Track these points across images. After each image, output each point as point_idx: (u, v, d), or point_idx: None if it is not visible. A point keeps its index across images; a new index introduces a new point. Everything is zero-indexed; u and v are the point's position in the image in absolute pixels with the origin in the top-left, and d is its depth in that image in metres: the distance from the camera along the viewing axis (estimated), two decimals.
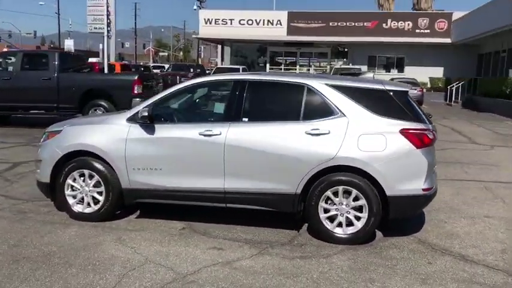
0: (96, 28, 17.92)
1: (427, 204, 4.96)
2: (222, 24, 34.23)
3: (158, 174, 5.09)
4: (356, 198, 4.74)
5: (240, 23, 33.95)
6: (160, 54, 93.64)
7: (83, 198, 5.33)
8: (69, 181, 5.31)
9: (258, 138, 4.88)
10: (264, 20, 33.69)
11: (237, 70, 26.95)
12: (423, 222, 5.53)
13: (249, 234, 5.07)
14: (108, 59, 18.89)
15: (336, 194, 4.78)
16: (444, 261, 4.48)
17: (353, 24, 32.55)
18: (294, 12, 33.62)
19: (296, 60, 35.66)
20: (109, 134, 5.21)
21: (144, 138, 5.10)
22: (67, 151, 5.26)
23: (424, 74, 32.06)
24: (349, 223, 4.81)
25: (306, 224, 5.22)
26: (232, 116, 5.00)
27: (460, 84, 26.79)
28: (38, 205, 5.91)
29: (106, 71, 17.13)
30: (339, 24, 32.61)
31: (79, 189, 5.32)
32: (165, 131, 5.08)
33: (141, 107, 5.19)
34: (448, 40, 31.37)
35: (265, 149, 4.84)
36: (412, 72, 30.57)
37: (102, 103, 12.22)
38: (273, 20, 33.55)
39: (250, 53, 37.56)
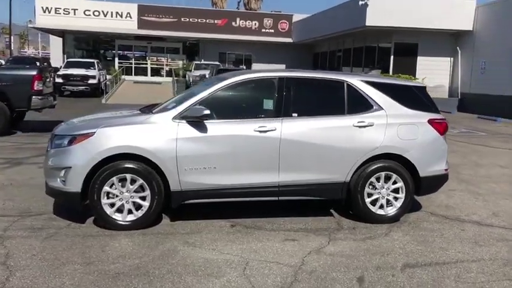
0: None
1: (446, 182, 5.85)
2: (64, 14, 31.44)
3: (212, 173, 4.99)
4: (394, 182, 5.39)
5: (85, 13, 31.64)
6: None
7: (119, 206, 4.90)
8: (107, 188, 4.83)
9: (310, 132, 5.17)
10: (112, 12, 32.01)
11: (91, 64, 25.39)
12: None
13: (298, 224, 5.32)
14: None
15: (378, 179, 5.36)
16: (469, 227, 5.43)
17: (204, 21, 33.14)
18: (145, 6, 32.70)
19: (147, 55, 34.83)
20: (156, 134, 4.89)
21: (196, 137, 4.93)
22: (108, 154, 4.78)
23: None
24: (389, 204, 5.43)
25: (331, 210, 5.71)
26: (282, 111, 5.18)
27: None
28: (46, 219, 5.18)
29: None
30: (190, 20, 32.85)
31: (118, 196, 4.88)
32: (217, 129, 4.99)
33: (186, 106, 5.00)
34: (289, 40, 34.20)
35: (318, 142, 5.17)
36: (259, 68, 32.61)
37: None
38: (122, 13, 32.09)
39: (97, 46, 35.39)
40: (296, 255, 4.44)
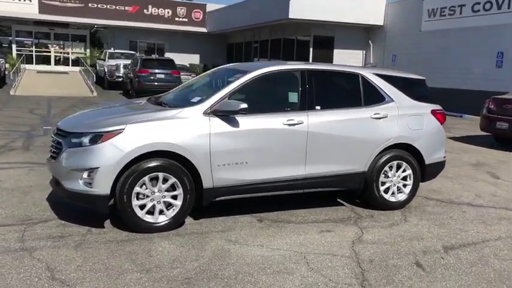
0: None
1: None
2: None
3: (244, 168, 4.88)
4: (404, 170, 5.70)
5: None
6: None
7: (146, 206, 4.61)
8: (137, 188, 4.51)
9: (334, 124, 5.27)
10: None
11: None
12: None
13: (319, 215, 5.42)
14: None
15: (391, 168, 5.63)
16: (466, 208, 5.92)
17: (114, 7, 31.46)
18: None
19: (49, 42, 32.25)
20: (188, 129, 4.64)
21: (228, 132, 4.78)
22: (141, 152, 4.44)
23: (184, 60, 33.80)
24: (399, 191, 5.73)
25: (338, 199, 5.90)
26: (307, 104, 5.20)
27: None
28: (58, 226, 4.70)
29: None
30: (98, 6, 30.99)
31: (149, 197, 4.57)
32: (248, 123, 4.87)
33: (216, 99, 4.81)
34: (203, 29, 33.83)
35: (341, 134, 5.29)
36: (172, 58, 31.84)
37: None
38: None
39: None
40: (342, 246, 4.53)
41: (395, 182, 5.67)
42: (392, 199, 5.68)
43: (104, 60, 26.39)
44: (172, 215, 4.67)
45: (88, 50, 32.95)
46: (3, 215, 4.96)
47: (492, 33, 18.03)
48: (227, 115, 4.76)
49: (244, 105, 4.65)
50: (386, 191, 5.64)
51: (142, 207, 4.57)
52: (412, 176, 5.72)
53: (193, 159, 4.63)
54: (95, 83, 23.73)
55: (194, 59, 35.16)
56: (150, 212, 4.61)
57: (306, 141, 5.11)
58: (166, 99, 5.56)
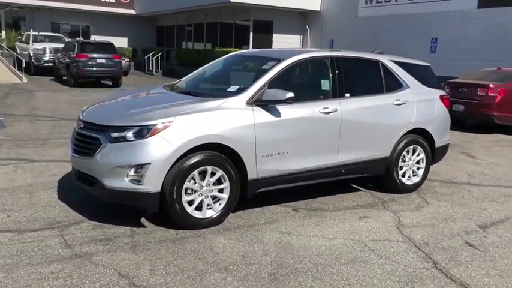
0: None
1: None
2: None
3: (285, 158, 4.81)
4: (418, 154, 5.94)
5: None
6: None
7: (195, 201, 4.41)
8: (187, 183, 4.28)
9: (363, 111, 5.34)
10: None
11: None
12: None
13: (347, 202, 5.49)
14: None
15: (408, 152, 5.83)
16: (469, 188, 6.31)
17: None
18: None
19: None
20: (235, 120, 4.47)
21: (271, 122, 4.67)
22: (193, 145, 4.22)
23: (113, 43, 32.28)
24: (414, 174, 5.96)
25: (352, 184, 6.05)
26: (338, 92, 5.22)
27: (158, 54, 28.68)
28: (95, 227, 4.35)
29: None
30: None
31: (197, 191, 4.36)
32: (287, 112, 4.77)
33: (256, 89, 4.66)
34: (132, 11, 32.42)
35: (370, 120, 5.38)
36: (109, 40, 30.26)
37: None
38: None
39: None
40: (390, 231, 4.64)
41: (410, 166, 5.89)
42: (409, 182, 5.90)
43: (27, 43, 24.35)
44: (219, 209, 4.50)
45: (4, 32, 30.27)
46: (24, 219, 4.49)
47: (426, 20, 19.11)
48: (270, 105, 4.64)
49: (291, 94, 4.55)
50: (403, 174, 5.84)
51: (190, 202, 4.34)
52: (424, 159, 5.97)
53: (240, 151, 4.48)
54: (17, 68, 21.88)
55: (122, 42, 33.62)
56: (198, 207, 4.40)
57: (339, 129, 5.14)
58: (191, 87, 5.30)
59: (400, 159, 5.76)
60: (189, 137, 4.19)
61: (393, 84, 5.73)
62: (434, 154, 6.11)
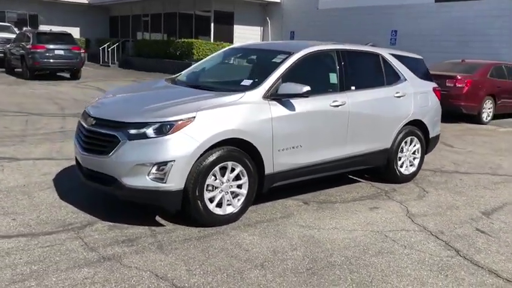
0: None
1: None
2: None
3: (298, 152, 4.81)
4: (414, 145, 6.11)
5: None
6: None
7: (216, 198, 4.33)
8: (208, 180, 4.20)
9: (367, 104, 5.43)
10: None
11: None
12: None
13: (352, 194, 5.57)
14: None
15: (405, 143, 5.99)
16: (460, 176, 6.56)
17: None
18: None
19: None
20: (253, 114, 4.41)
21: (287, 115, 4.65)
22: (216, 141, 4.13)
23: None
24: (411, 165, 6.13)
25: (349, 176, 6.16)
26: (344, 85, 5.26)
27: (114, 45, 27.81)
28: (111, 228, 4.19)
29: None
30: None
31: (218, 188, 4.29)
32: (300, 106, 4.76)
33: (271, 82, 4.62)
34: (84, 0, 31.20)
35: (374, 113, 5.48)
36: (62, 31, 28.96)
37: None
38: None
39: None
40: (403, 220, 4.75)
41: (408, 156, 6.05)
42: (406, 172, 6.06)
43: None
44: (239, 205, 4.44)
45: None
46: (32, 222, 4.25)
47: (386, 13, 19.62)
48: (284, 98, 4.62)
49: (308, 88, 4.54)
50: (401, 165, 5.99)
51: (211, 199, 4.26)
52: (420, 150, 6.15)
53: (258, 146, 4.44)
54: None
55: (74, 32, 31.95)
56: (218, 204, 4.33)
57: (347, 122, 5.20)
58: (198, 81, 5.18)
59: (400, 151, 5.90)
60: (211, 132, 4.10)
61: (393, 77, 5.85)
62: (428, 145, 6.31)
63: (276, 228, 4.39)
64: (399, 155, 5.91)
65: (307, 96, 4.60)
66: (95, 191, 4.93)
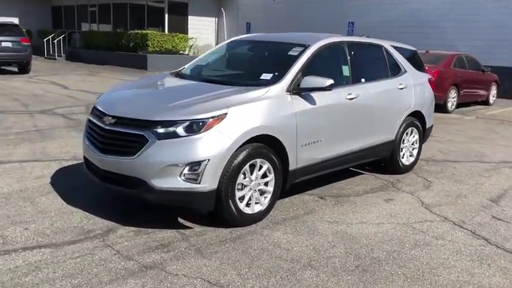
0: None
1: None
2: None
3: (319, 146, 4.74)
4: (413, 136, 6.21)
5: None
6: None
7: (245, 197, 4.19)
8: (239, 179, 4.04)
9: (377, 96, 5.44)
10: None
11: None
12: None
13: (360, 186, 5.57)
14: None
15: (407, 134, 6.08)
16: (453, 165, 6.76)
17: None
18: None
19: None
20: (279, 110, 4.29)
21: (309, 110, 4.56)
22: (248, 138, 3.97)
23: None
24: (410, 155, 6.24)
25: (350, 168, 6.20)
26: (356, 77, 5.24)
27: (60, 37, 26.48)
28: (138, 234, 3.94)
29: None
30: None
31: (247, 186, 4.14)
32: (320, 99, 4.68)
33: (292, 76, 4.50)
34: None
35: (383, 105, 5.51)
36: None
37: None
38: None
39: None
40: (422, 211, 4.81)
41: (408, 147, 6.14)
42: (407, 163, 6.16)
43: None
44: (265, 202, 4.31)
45: None
46: (48, 231, 3.91)
47: (344, 5, 19.93)
48: (303, 92, 4.52)
49: (331, 81, 4.46)
50: (403, 156, 6.08)
51: (241, 198, 4.11)
52: (418, 140, 6.27)
53: (284, 142, 4.33)
54: None
55: None
56: (248, 202, 4.18)
57: (360, 115, 5.19)
58: (210, 75, 4.98)
59: (402, 142, 5.97)
60: (243, 129, 3.94)
61: (395, 69, 5.90)
62: (425, 135, 6.44)
63: (305, 225, 4.30)
64: (401, 146, 5.98)
65: (330, 90, 4.52)
66: (99, 193, 4.73)
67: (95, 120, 4.26)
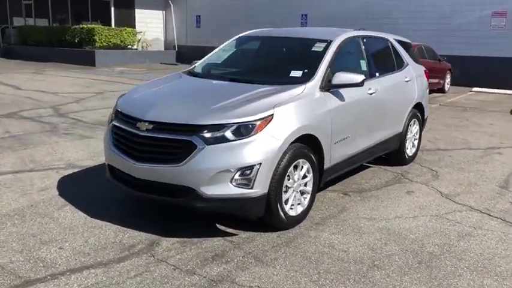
0: None
1: None
2: None
3: (347, 143, 4.70)
4: (415, 127, 6.34)
5: None
6: None
7: (290, 199, 4.07)
8: (285, 181, 3.92)
9: (390, 89, 5.49)
10: None
11: None
12: None
13: (375, 179, 5.61)
14: None
15: (410, 125, 6.18)
16: (448, 153, 6.97)
17: None
18: None
19: None
20: (316, 108, 4.19)
21: (340, 106, 4.50)
22: (294, 138, 3.85)
23: None
24: (413, 146, 6.36)
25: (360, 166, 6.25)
26: (371, 72, 5.24)
27: None
28: (181, 244, 3.72)
29: None
30: None
31: (291, 188, 4.02)
32: (347, 95, 4.63)
33: (322, 73, 4.43)
34: None
35: (395, 98, 5.58)
36: None
37: None
38: None
39: None
40: (446, 202, 4.91)
41: (411, 138, 6.26)
42: (410, 154, 6.28)
43: None
44: (306, 203, 4.22)
45: None
46: (87, 249, 3.60)
47: None
48: (332, 89, 4.45)
49: (363, 77, 4.42)
50: (407, 147, 6.19)
51: (286, 201, 3.98)
52: (419, 131, 6.41)
53: (321, 140, 4.24)
54: None
55: None
56: (291, 204, 4.06)
57: (378, 109, 5.21)
58: (233, 74, 4.78)
59: (407, 133, 6.07)
60: (290, 129, 3.81)
61: (400, 62, 5.97)
62: (424, 125, 6.59)
63: (346, 224, 4.25)
64: (406, 137, 6.08)
65: (362, 85, 4.47)
66: (116, 203, 4.50)
67: (124, 127, 3.94)
